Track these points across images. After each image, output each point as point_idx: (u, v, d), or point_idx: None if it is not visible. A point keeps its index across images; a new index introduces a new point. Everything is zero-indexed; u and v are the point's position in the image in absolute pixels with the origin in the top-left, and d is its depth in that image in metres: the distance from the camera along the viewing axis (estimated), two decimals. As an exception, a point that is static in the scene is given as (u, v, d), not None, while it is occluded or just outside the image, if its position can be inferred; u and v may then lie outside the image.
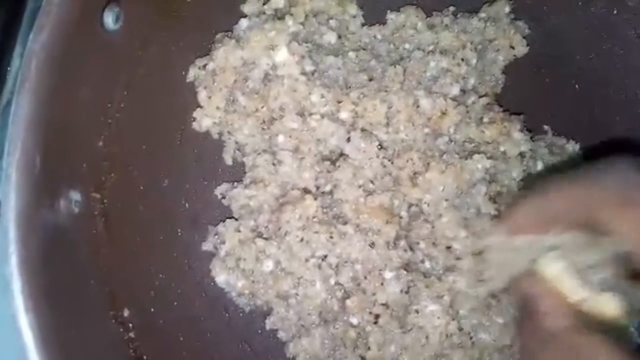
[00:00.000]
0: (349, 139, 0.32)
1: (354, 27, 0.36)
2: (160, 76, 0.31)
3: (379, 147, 0.32)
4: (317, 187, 0.33)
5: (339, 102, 0.32)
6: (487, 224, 0.31)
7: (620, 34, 0.35)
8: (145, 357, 0.29)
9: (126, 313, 0.28)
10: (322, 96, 0.32)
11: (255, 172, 0.33)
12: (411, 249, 0.32)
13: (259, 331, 0.33)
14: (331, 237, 0.31)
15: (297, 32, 0.33)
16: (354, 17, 0.36)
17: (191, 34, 0.32)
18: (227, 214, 0.34)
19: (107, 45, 0.27)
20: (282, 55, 0.32)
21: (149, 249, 0.31)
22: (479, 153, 0.32)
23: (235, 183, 0.34)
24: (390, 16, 0.36)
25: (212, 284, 0.33)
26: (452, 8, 0.37)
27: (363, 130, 0.33)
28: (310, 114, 0.32)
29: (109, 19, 0.27)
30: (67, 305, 0.25)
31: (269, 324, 0.33)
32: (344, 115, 0.32)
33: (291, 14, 0.33)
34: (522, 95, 0.36)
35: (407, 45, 0.36)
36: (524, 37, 0.36)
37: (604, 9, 0.35)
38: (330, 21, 0.36)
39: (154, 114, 0.31)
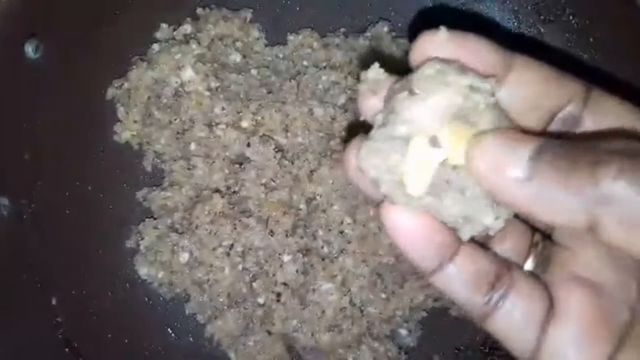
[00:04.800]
0: (248, 144, 0.37)
1: (258, 47, 0.42)
2: (81, 96, 0.35)
3: (277, 150, 0.37)
4: (228, 187, 0.38)
5: (239, 112, 0.37)
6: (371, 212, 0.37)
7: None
8: (72, 339, 0.33)
9: (54, 301, 0.33)
10: (223, 108, 0.37)
11: (172, 176, 0.38)
12: (314, 236, 0.37)
13: (181, 316, 0.38)
14: (235, 228, 0.36)
15: (202, 54, 0.38)
16: (258, 39, 0.42)
17: (108, 60, 0.37)
18: (147, 215, 0.38)
19: (29, 72, 0.32)
20: (187, 74, 0.37)
21: (76, 246, 0.35)
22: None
23: (155, 187, 0.39)
24: (290, 37, 0.42)
25: (136, 276, 0.37)
26: (343, 29, 0.42)
27: (263, 136, 0.38)
28: (217, 124, 0.37)
29: (29, 50, 0.32)
30: (2, 291, 0.29)
31: (188, 308, 0.38)
32: (245, 124, 0.37)
33: (196, 39, 0.38)
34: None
35: (304, 62, 0.42)
36: (405, 52, 0.42)
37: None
38: (237, 43, 0.41)
39: (76, 129, 0.35)
